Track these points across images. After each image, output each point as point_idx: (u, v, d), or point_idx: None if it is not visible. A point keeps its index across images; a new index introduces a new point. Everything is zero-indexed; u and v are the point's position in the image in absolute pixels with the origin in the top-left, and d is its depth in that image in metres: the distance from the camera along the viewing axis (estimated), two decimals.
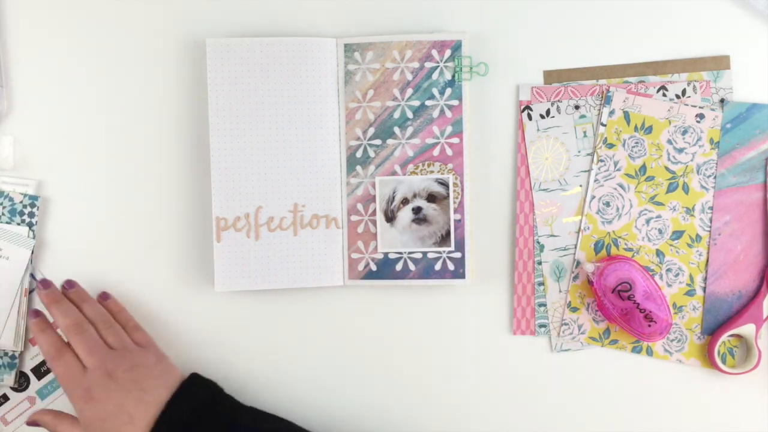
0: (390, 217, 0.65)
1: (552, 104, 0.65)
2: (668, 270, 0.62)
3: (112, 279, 0.67)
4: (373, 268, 0.65)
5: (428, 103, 0.65)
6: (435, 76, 0.65)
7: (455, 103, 0.65)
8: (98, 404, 0.58)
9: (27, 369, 0.68)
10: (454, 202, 0.64)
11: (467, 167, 0.64)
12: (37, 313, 0.64)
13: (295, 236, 0.65)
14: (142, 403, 0.58)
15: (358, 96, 0.66)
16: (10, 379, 0.67)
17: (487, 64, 0.65)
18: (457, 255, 0.63)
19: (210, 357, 0.66)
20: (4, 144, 0.67)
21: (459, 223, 0.64)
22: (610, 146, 0.63)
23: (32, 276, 0.66)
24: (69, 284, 0.65)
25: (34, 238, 0.68)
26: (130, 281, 0.66)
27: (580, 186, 0.63)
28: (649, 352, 0.62)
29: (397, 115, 0.66)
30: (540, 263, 0.63)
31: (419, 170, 0.65)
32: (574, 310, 0.62)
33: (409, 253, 0.64)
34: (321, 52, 0.66)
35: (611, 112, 0.64)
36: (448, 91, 0.65)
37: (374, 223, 0.65)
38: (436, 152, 0.65)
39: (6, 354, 0.67)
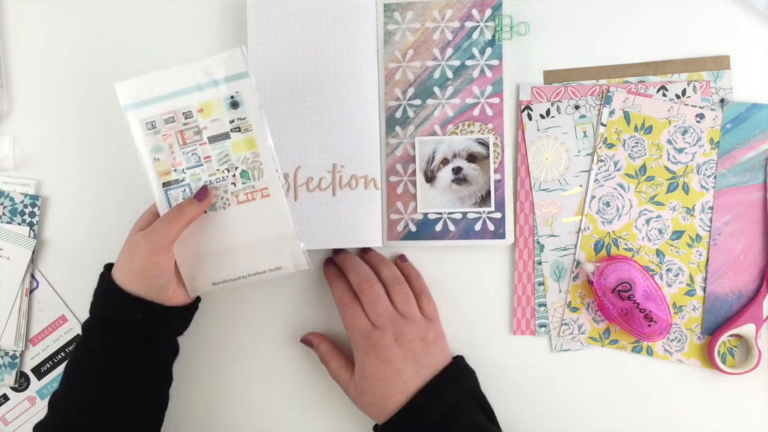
0: (429, 178, 0.65)
1: (552, 104, 0.66)
2: (668, 270, 0.62)
3: None
4: (413, 228, 0.65)
5: (468, 62, 0.65)
6: (475, 35, 0.65)
7: (495, 62, 0.65)
8: (379, 363, 0.59)
9: (27, 369, 0.68)
10: (494, 162, 0.64)
11: (507, 127, 0.64)
12: (331, 262, 0.65)
13: (333, 197, 0.65)
14: (418, 377, 0.59)
15: (398, 56, 0.66)
16: (10, 379, 0.67)
17: (527, 23, 0.65)
18: (497, 215, 0.64)
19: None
20: (4, 144, 0.67)
21: (499, 183, 0.64)
22: (610, 146, 0.64)
23: None
24: (364, 250, 0.65)
25: (35, 237, 0.68)
26: None
27: (580, 186, 0.64)
28: (649, 352, 0.62)
29: (437, 75, 0.66)
30: (540, 263, 0.64)
31: (459, 130, 0.65)
32: (574, 310, 0.63)
33: (449, 213, 0.65)
34: (360, 12, 0.66)
35: (611, 112, 0.64)
36: (488, 50, 0.65)
37: (413, 183, 0.65)
38: (476, 112, 0.65)
39: (6, 354, 0.67)
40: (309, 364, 0.66)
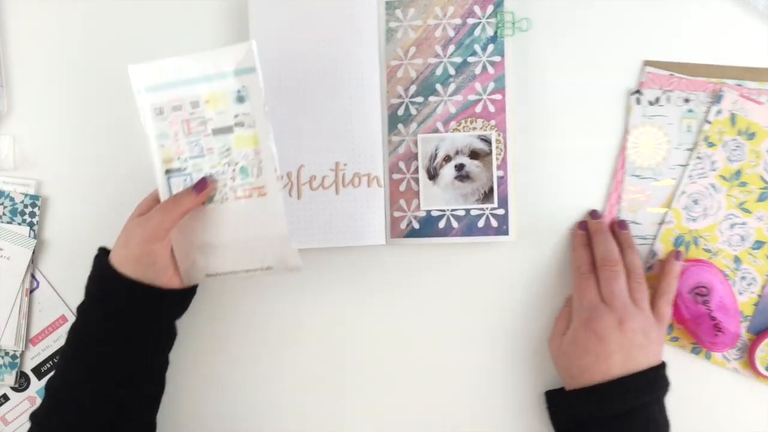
0: (432, 175, 0.66)
1: (663, 93, 0.63)
2: (743, 278, 0.65)
3: None
4: (416, 226, 0.66)
5: (470, 59, 0.66)
6: (477, 32, 0.65)
7: (497, 59, 0.65)
8: (594, 338, 0.59)
9: (27, 369, 0.69)
10: (497, 159, 0.65)
11: (509, 124, 0.64)
12: (583, 227, 0.64)
13: (337, 195, 0.66)
14: (624, 367, 0.59)
15: (400, 53, 0.66)
16: (10, 379, 0.68)
17: (529, 19, 0.65)
18: (501, 212, 0.65)
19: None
20: (4, 144, 0.68)
21: (502, 180, 0.65)
22: (711, 145, 0.62)
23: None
24: (622, 225, 0.64)
25: (35, 237, 0.68)
26: None
27: (673, 179, 0.64)
28: (707, 356, 0.65)
29: (439, 72, 0.66)
30: None
31: (462, 127, 0.65)
32: None
33: (452, 210, 0.66)
34: (362, 10, 0.66)
35: (719, 112, 0.62)
36: (490, 47, 0.65)
37: (416, 180, 0.66)
38: (478, 109, 0.65)
39: (7, 354, 0.68)
40: (316, 365, 0.67)
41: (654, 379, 0.60)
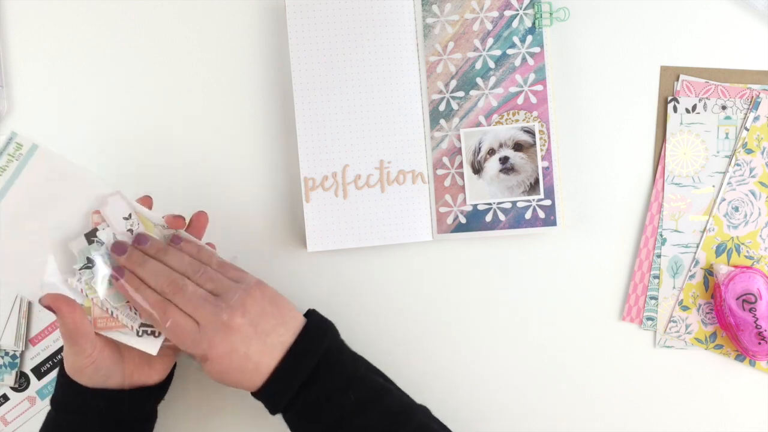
0: (477, 169, 0.69)
1: (699, 100, 0.67)
2: None
3: None
4: (462, 220, 0.69)
5: (509, 51, 0.69)
6: (515, 24, 0.68)
7: (537, 50, 0.68)
8: (222, 360, 0.57)
9: (27, 369, 0.70)
10: (541, 150, 0.68)
11: (552, 114, 0.68)
12: (122, 272, 0.59)
13: (382, 193, 0.69)
14: (267, 347, 0.58)
15: (438, 49, 0.69)
16: (10, 379, 0.69)
17: (567, 8, 0.68)
18: (547, 202, 0.68)
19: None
20: None
21: (547, 171, 0.68)
22: (749, 151, 0.67)
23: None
24: (141, 240, 0.60)
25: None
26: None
27: (713, 186, 0.68)
28: (752, 363, 0.68)
29: (478, 65, 0.69)
30: (659, 256, 0.68)
31: (504, 120, 0.68)
32: (685, 309, 0.69)
33: (498, 203, 0.68)
34: (399, 7, 0.69)
35: (756, 118, 0.67)
36: (529, 38, 0.68)
37: (461, 175, 0.69)
38: (520, 101, 0.68)
39: (6, 354, 0.69)
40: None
41: (305, 343, 0.58)
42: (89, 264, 0.59)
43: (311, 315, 0.62)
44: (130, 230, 0.60)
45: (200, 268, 0.59)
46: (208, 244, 0.62)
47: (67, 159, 0.60)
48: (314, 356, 0.58)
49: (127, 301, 0.59)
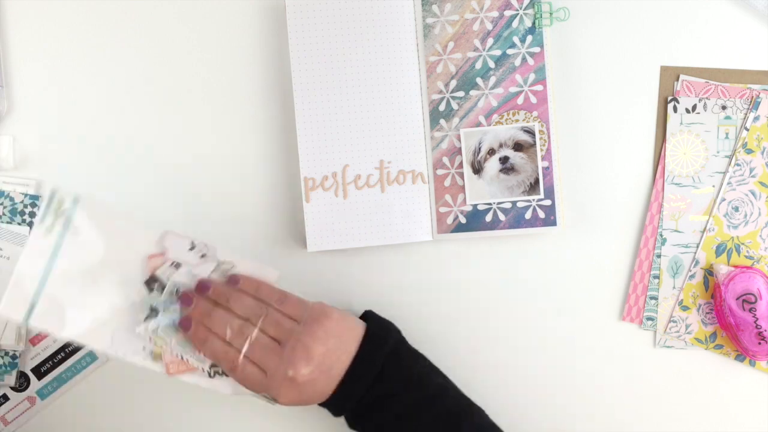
0: (477, 169, 0.69)
1: (699, 100, 0.68)
2: None
3: None
4: (462, 220, 0.69)
5: (509, 51, 0.69)
6: (515, 24, 0.69)
7: (537, 50, 0.69)
8: (292, 400, 0.62)
9: (27, 369, 0.70)
10: (541, 150, 0.68)
11: (552, 114, 0.68)
12: (188, 323, 0.62)
13: (382, 193, 0.69)
14: (332, 378, 0.61)
15: (438, 49, 0.70)
16: (10, 379, 0.70)
17: (567, 8, 0.69)
18: (547, 202, 0.68)
19: None
20: (4, 144, 0.70)
21: (547, 171, 0.69)
22: (749, 151, 0.68)
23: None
24: (203, 287, 0.63)
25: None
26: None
27: (713, 186, 0.69)
28: (752, 363, 0.69)
29: (478, 65, 0.70)
30: (659, 256, 0.69)
31: (504, 120, 0.69)
32: (685, 309, 0.70)
33: (498, 203, 0.69)
34: (399, 7, 0.69)
35: (756, 118, 0.68)
36: (529, 38, 0.69)
37: (461, 175, 0.69)
38: (520, 101, 0.69)
39: (7, 354, 0.69)
40: None
41: (367, 358, 0.61)
42: (152, 313, 0.61)
43: (369, 321, 0.64)
44: (204, 255, 0.62)
45: (262, 310, 0.61)
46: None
47: (110, 206, 0.62)
48: (374, 368, 0.61)
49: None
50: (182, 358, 0.62)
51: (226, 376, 0.62)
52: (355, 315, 0.66)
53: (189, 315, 0.61)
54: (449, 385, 0.65)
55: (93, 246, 0.60)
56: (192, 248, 0.62)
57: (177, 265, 0.62)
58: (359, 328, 0.63)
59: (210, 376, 0.62)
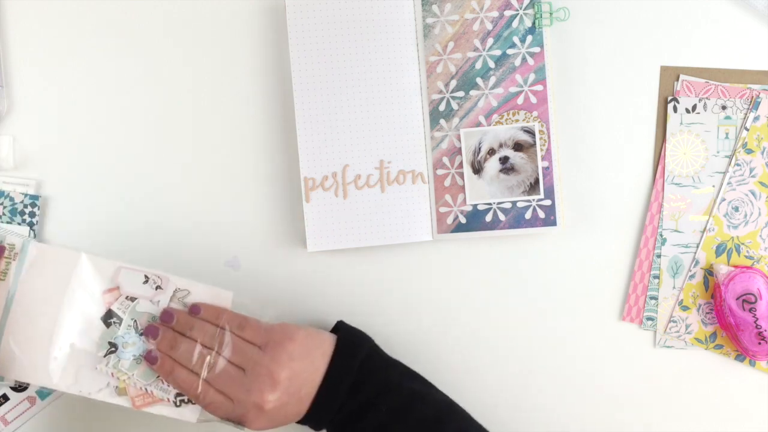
0: (477, 169, 0.70)
1: (699, 100, 0.68)
2: None
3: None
4: (462, 220, 0.70)
5: (509, 51, 0.70)
6: (515, 24, 0.69)
7: (537, 50, 0.69)
8: (264, 426, 0.62)
9: None
10: (541, 150, 0.69)
11: (552, 114, 0.69)
12: (154, 357, 0.62)
13: (382, 193, 0.69)
14: (303, 399, 0.61)
15: (438, 49, 0.70)
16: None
17: (567, 8, 0.70)
18: (547, 202, 0.69)
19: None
20: (4, 144, 0.70)
21: (547, 171, 0.69)
22: (749, 151, 0.68)
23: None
24: (167, 317, 0.64)
25: (35, 237, 0.70)
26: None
27: (713, 186, 0.69)
28: (752, 363, 0.69)
29: (478, 65, 0.70)
30: (659, 256, 0.69)
31: (504, 120, 0.69)
32: (685, 309, 0.70)
33: (498, 203, 0.69)
34: (399, 7, 0.70)
35: (756, 118, 0.68)
36: (529, 38, 0.69)
37: (461, 175, 0.70)
38: (520, 101, 0.69)
39: None
40: None
41: (339, 368, 0.61)
42: (112, 348, 0.62)
43: (339, 331, 0.64)
44: (159, 287, 0.62)
45: (224, 338, 0.62)
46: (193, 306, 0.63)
47: (61, 247, 0.63)
48: (346, 382, 0.61)
49: (158, 376, 0.62)
50: (146, 390, 0.62)
51: (192, 403, 0.62)
52: (326, 328, 0.66)
53: (155, 349, 0.62)
54: (429, 389, 0.64)
55: (47, 287, 0.60)
56: (146, 281, 0.62)
57: (132, 298, 0.63)
58: (327, 344, 0.62)
59: (176, 405, 0.62)
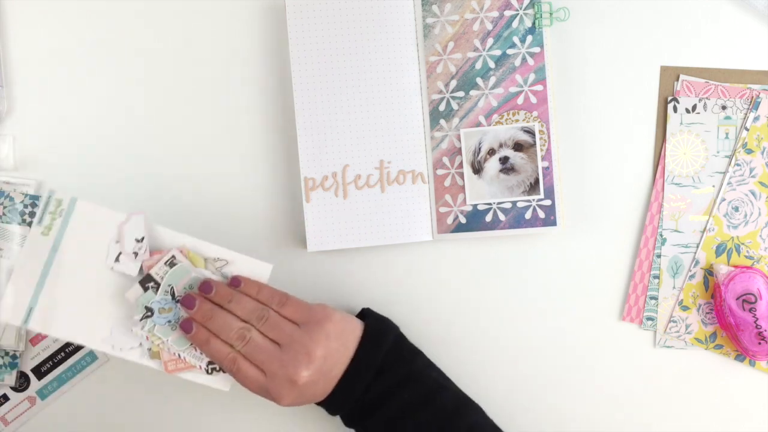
0: (477, 169, 0.70)
1: (699, 100, 0.68)
2: None
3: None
4: (462, 220, 0.70)
5: (509, 51, 0.70)
6: (515, 24, 0.69)
7: (537, 50, 0.70)
8: (292, 402, 0.63)
9: (27, 369, 0.71)
10: (541, 150, 0.69)
11: (552, 114, 0.69)
12: (190, 325, 0.63)
13: (382, 193, 0.70)
14: (331, 379, 0.63)
15: (438, 49, 0.70)
16: (10, 379, 0.70)
17: (567, 8, 0.70)
18: (547, 202, 0.69)
19: None
20: (4, 144, 0.71)
21: (547, 171, 0.69)
22: (749, 152, 0.68)
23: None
24: (206, 288, 0.64)
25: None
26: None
27: (713, 186, 0.69)
28: (752, 363, 0.69)
29: (478, 65, 0.70)
30: (659, 256, 0.69)
31: (504, 120, 0.70)
32: (685, 309, 0.70)
33: (498, 203, 0.70)
34: (399, 7, 0.70)
35: (756, 118, 0.68)
36: (529, 38, 0.70)
37: (461, 175, 0.70)
38: (520, 101, 0.70)
39: (7, 354, 0.70)
40: None
41: (367, 357, 0.62)
42: (148, 313, 0.62)
43: (367, 319, 0.65)
44: (135, 253, 0.62)
45: (263, 313, 0.62)
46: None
47: (107, 208, 0.62)
48: (371, 368, 0.62)
49: (192, 344, 0.63)
50: (179, 356, 0.63)
51: (224, 372, 0.63)
52: (353, 314, 0.67)
53: (190, 317, 0.62)
54: (448, 382, 0.66)
55: (90, 246, 0.61)
56: (139, 240, 0.62)
57: (171, 264, 0.63)
58: (359, 329, 0.63)
59: (208, 372, 0.63)
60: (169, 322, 0.62)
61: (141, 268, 0.62)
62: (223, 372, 0.63)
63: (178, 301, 0.63)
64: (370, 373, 0.62)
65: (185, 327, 0.62)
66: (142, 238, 0.62)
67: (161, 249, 0.63)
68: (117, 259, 0.62)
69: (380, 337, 0.63)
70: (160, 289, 0.62)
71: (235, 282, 0.63)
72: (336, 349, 0.61)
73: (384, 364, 0.63)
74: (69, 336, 0.60)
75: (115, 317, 0.62)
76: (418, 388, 0.63)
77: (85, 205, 0.61)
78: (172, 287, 0.63)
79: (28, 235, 0.60)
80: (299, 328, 0.62)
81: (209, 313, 0.62)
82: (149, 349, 0.62)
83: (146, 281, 0.62)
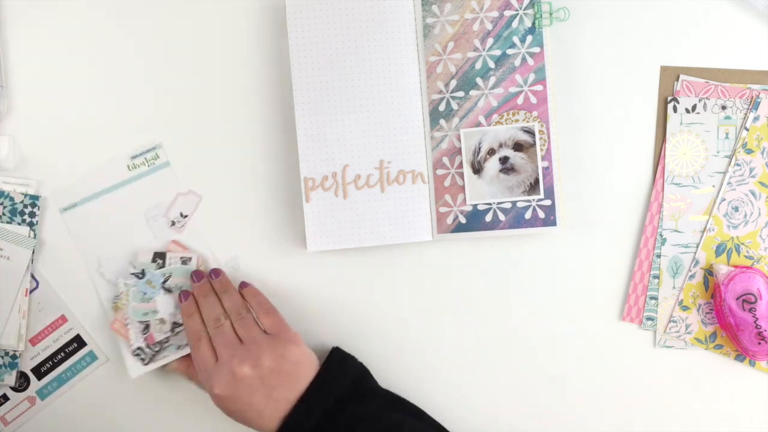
0: (477, 169, 0.70)
1: (699, 100, 0.69)
2: None
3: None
4: (462, 220, 0.70)
5: (509, 51, 0.70)
6: (515, 24, 0.70)
7: (537, 50, 0.70)
8: (223, 401, 0.64)
9: (27, 369, 0.71)
10: (541, 150, 0.69)
11: (552, 114, 0.69)
12: (187, 296, 0.69)
13: (382, 193, 0.70)
14: (271, 401, 0.63)
15: (438, 49, 0.70)
16: (10, 379, 0.71)
17: (567, 8, 0.70)
18: (547, 202, 0.69)
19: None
20: (4, 144, 0.71)
21: (547, 171, 0.69)
22: (749, 152, 0.68)
23: (164, 282, 0.69)
24: (215, 273, 0.70)
25: (35, 237, 0.71)
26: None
27: (713, 186, 0.69)
28: (752, 363, 0.70)
29: (478, 65, 0.70)
30: (659, 256, 0.70)
31: (504, 120, 0.70)
32: (685, 309, 0.70)
33: (498, 203, 0.70)
34: (399, 7, 0.70)
35: (756, 118, 0.68)
36: (529, 38, 0.70)
37: (461, 175, 0.70)
38: (520, 101, 0.70)
39: (7, 354, 0.70)
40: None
41: (320, 389, 0.63)
42: (140, 275, 0.69)
43: (329, 359, 0.66)
44: (173, 222, 0.70)
45: (244, 314, 0.67)
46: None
47: (180, 185, 0.69)
48: (318, 411, 0.63)
49: (141, 322, 0.69)
50: (126, 324, 0.68)
51: (143, 364, 0.68)
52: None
53: (191, 291, 0.68)
54: (406, 422, 0.64)
55: (146, 199, 0.69)
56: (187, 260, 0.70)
57: (185, 262, 0.69)
58: (313, 371, 0.64)
59: (132, 353, 0.69)
60: (144, 294, 0.68)
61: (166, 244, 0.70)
62: (142, 363, 0.68)
63: (163, 288, 0.69)
64: (316, 415, 0.62)
65: (184, 294, 0.68)
66: (186, 216, 0.68)
67: (188, 246, 0.70)
68: (155, 219, 0.68)
69: (330, 387, 0.64)
70: (163, 269, 0.69)
71: (242, 285, 0.69)
72: (286, 371, 0.63)
73: (335, 408, 0.63)
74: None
75: (115, 262, 0.69)
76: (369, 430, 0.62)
77: (170, 174, 0.69)
78: (170, 276, 0.69)
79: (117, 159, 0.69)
80: (266, 337, 0.65)
81: (206, 292, 0.68)
82: (114, 302, 0.69)
83: (159, 256, 0.69)
